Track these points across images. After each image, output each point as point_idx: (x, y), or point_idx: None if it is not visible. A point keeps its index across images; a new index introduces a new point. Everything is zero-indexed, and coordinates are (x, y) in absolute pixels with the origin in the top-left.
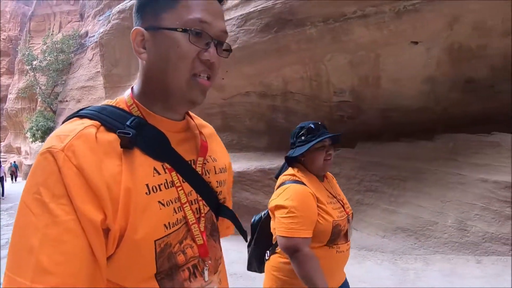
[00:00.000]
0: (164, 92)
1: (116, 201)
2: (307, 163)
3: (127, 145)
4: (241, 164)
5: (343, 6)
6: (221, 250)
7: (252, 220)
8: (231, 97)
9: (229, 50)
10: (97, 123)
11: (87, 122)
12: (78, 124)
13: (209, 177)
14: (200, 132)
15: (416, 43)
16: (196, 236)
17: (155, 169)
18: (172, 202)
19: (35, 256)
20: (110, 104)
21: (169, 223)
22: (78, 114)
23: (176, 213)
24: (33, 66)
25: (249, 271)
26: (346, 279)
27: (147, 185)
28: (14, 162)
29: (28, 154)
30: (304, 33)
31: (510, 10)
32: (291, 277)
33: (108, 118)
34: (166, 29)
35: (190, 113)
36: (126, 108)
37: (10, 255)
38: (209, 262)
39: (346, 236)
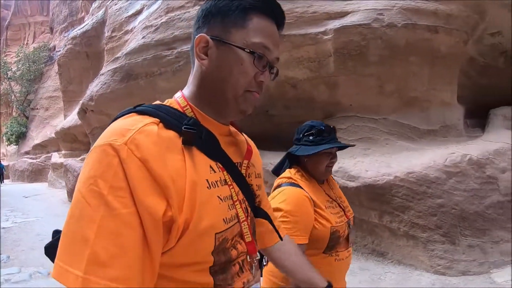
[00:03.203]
0: (219, 99)
1: (180, 193)
2: (309, 165)
3: (189, 142)
4: None
5: (152, 67)
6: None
7: None
8: None
9: (276, 74)
10: (156, 120)
11: (147, 119)
12: (138, 120)
13: (251, 180)
14: (245, 138)
15: None
16: (245, 234)
17: (211, 167)
18: (227, 199)
19: (90, 248)
20: (164, 103)
21: (226, 218)
22: (136, 110)
23: (230, 209)
24: (8, 76)
25: None
26: None
27: (207, 180)
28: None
29: (4, 156)
30: (138, 83)
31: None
32: (286, 284)
33: (166, 116)
34: (235, 46)
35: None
36: (179, 109)
37: (62, 245)
38: (257, 258)
39: (346, 242)
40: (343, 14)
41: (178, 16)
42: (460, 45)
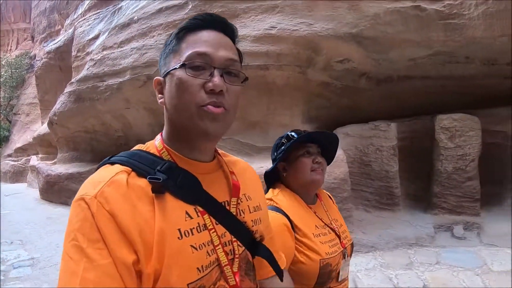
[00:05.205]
0: (181, 129)
1: (149, 245)
2: (291, 178)
3: (158, 191)
4: (80, 168)
5: (92, 94)
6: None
7: None
8: (74, 132)
9: (237, 75)
10: (128, 169)
11: (118, 168)
12: (109, 171)
13: (243, 217)
14: (231, 172)
15: (128, 107)
16: (228, 277)
17: (187, 213)
18: (205, 245)
19: None
20: (141, 149)
21: (202, 266)
22: (110, 161)
23: (210, 255)
24: None
25: None
26: None
27: (179, 229)
28: None
29: None
30: (85, 105)
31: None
32: None
33: (139, 163)
34: (171, 70)
35: (220, 151)
36: (156, 153)
37: None
38: None
39: (338, 276)
40: None
41: (107, 55)
42: (296, 76)
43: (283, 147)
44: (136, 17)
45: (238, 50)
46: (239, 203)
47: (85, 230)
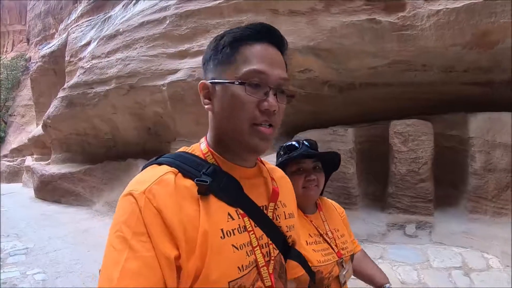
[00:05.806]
0: (230, 140)
1: (191, 242)
2: None
3: (204, 192)
4: (71, 168)
5: (82, 99)
6: None
7: None
8: (66, 135)
9: (290, 95)
10: (175, 169)
11: (166, 168)
12: (157, 171)
13: (279, 222)
14: (272, 178)
15: (115, 113)
16: (265, 278)
17: (229, 214)
18: (245, 246)
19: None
20: (186, 151)
21: (242, 265)
22: (157, 161)
23: (249, 256)
24: None
25: None
26: None
27: (222, 229)
28: None
29: None
30: (76, 109)
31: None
32: None
33: (185, 165)
34: (228, 82)
35: (261, 158)
36: (201, 156)
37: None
38: None
39: (337, 283)
40: (176, 71)
41: (95, 65)
42: None
43: (280, 159)
44: (121, 29)
45: (285, 63)
46: (276, 209)
47: (131, 223)
